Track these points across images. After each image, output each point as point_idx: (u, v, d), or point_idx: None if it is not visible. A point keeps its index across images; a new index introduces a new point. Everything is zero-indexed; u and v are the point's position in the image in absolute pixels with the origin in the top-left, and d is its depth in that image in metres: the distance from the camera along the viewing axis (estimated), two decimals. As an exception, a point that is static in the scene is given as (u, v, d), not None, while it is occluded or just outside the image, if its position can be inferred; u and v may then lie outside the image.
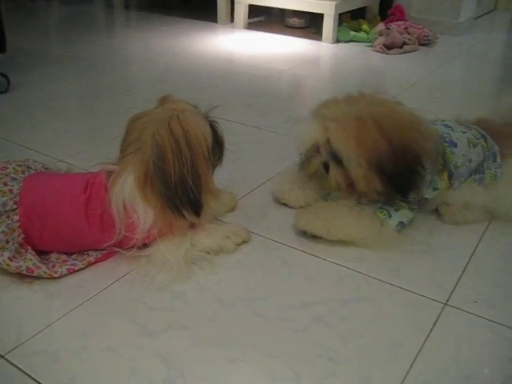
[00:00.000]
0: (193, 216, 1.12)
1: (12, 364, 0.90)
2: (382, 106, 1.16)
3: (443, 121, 1.43)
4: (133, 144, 1.12)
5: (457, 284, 1.12)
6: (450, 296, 1.08)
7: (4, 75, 2.19)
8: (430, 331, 0.99)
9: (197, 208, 1.12)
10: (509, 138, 1.43)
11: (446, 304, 1.06)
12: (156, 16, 3.74)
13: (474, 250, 1.23)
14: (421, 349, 0.95)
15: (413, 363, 0.92)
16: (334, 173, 1.21)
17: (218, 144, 1.22)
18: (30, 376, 0.88)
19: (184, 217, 1.11)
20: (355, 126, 1.12)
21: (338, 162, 1.19)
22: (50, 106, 2.08)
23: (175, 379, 0.88)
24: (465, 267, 1.17)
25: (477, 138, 1.37)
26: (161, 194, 1.09)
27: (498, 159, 1.38)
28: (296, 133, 1.25)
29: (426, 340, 0.97)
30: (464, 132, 1.37)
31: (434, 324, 1.01)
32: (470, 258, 1.20)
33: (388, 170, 1.13)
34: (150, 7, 3.99)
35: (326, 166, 1.24)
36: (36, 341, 0.95)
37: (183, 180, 1.09)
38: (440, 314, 1.03)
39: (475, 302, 1.07)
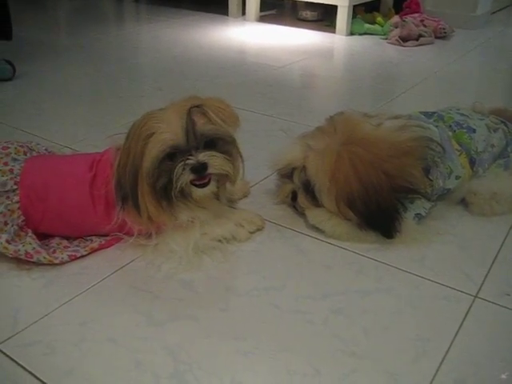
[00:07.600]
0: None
1: (5, 355, 0.83)
2: (361, 141, 1.11)
3: (458, 109, 1.38)
4: None
5: (486, 276, 1.04)
6: (480, 288, 1.00)
7: (10, 63, 2.13)
8: (461, 325, 0.91)
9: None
10: None
11: (476, 296, 0.98)
12: (166, 9, 3.68)
13: (504, 241, 1.15)
14: (451, 344, 0.86)
15: (443, 359, 0.83)
16: (302, 200, 1.19)
17: None
18: (24, 368, 0.81)
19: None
20: (332, 160, 1.10)
21: (309, 191, 1.16)
22: (57, 93, 2.02)
23: (183, 374, 0.81)
24: (494, 258, 1.09)
25: (496, 124, 1.32)
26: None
27: None
28: (276, 151, 1.24)
29: (456, 335, 0.88)
30: (481, 119, 1.33)
31: (464, 318, 0.92)
32: (500, 249, 1.12)
33: (359, 208, 1.09)
34: (160, 0, 3.93)
35: (295, 195, 1.21)
36: (32, 331, 0.88)
37: None
38: (470, 308, 0.95)
39: (508, 294, 0.98)
